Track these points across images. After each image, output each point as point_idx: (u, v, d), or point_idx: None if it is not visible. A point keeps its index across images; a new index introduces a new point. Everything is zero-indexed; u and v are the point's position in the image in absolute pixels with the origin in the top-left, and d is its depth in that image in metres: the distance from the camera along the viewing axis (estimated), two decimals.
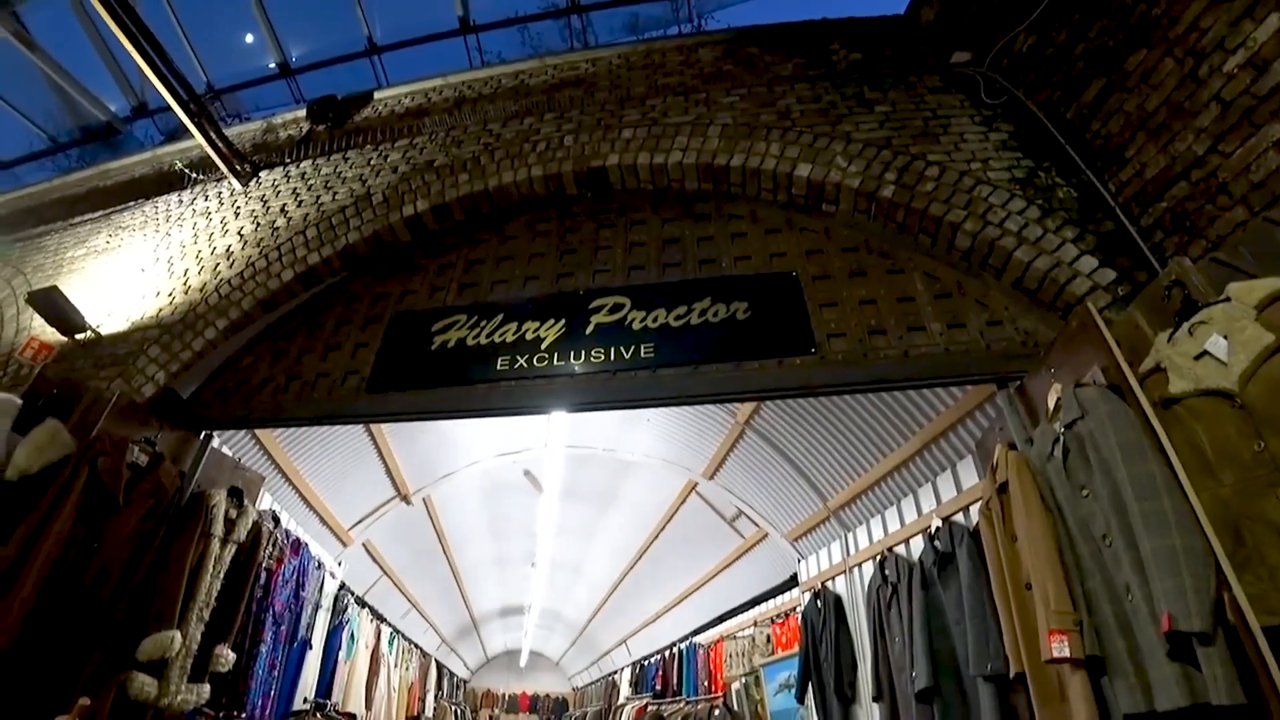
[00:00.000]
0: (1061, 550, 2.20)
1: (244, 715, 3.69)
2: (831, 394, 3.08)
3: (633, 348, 3.02)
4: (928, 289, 3.00)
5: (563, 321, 3.20)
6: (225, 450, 3.72)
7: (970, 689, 2.85)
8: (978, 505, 2.91)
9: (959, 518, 3.30)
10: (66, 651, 2.60)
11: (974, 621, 2.74)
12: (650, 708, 6.40)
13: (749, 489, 5.19)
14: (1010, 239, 2.80)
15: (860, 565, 4.17)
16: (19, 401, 2.91)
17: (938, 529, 3.26)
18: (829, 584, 4.49)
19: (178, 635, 2.79)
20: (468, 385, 3.12)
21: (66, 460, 2.80)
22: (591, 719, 11.82)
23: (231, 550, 3.21)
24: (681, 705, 7.16)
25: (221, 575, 3.13)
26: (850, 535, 4.36)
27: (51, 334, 3.66)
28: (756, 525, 5.59)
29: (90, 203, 5.04)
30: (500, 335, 3.21)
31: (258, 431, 4.16)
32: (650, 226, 3.59)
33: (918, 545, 3.53)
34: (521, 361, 3.10)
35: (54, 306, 3.53)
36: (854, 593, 4.17)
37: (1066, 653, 2.02)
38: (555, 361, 3.08)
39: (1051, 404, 2.37)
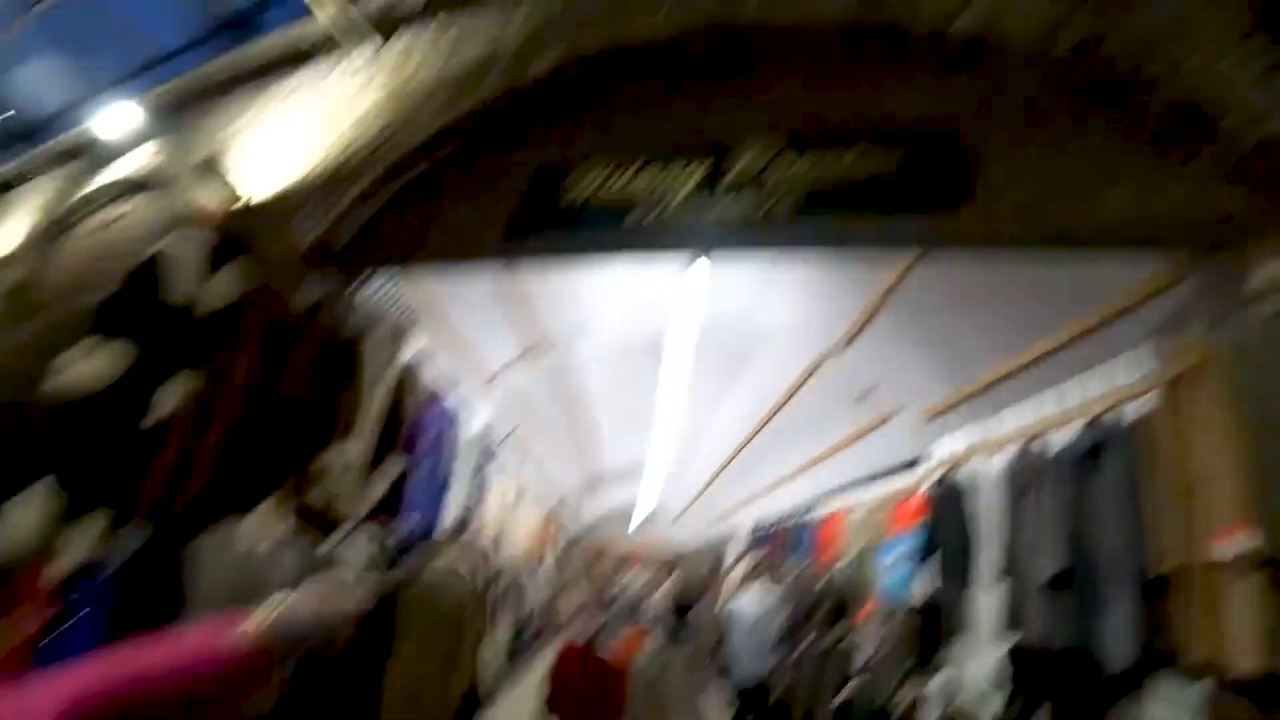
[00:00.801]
0: (1247, 447, 1.97)
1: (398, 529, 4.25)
2: (993, 251, 2.82)
3: (774, 198, 2.88)
4: (1117, 151, 2.57)
5: (700, 172, 3.09)
6: (378, 298, 4.04)
7: (1104, 586, 2.71)
8: (1139, 401, 2.65)
9: (1117, 413, 3.00)
10: (259, 464, 3.03)
11: (1119, 520, 2.57)
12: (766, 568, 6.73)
13: (883, 365, 4.99)
14: (1225, 98, 2.31)
15: (995, 453, 3.98)
16: (206, 242, 3.24)
17: (1091, 421, 3.02)
18: (959, 468, 4.34)
19: (349, 452, 3.20)
20: (602, 232, 3.15)
21: (242, 304, 3.14)
22: (703, 579, 12.64)
23: (384, 389, 3.57)
24: (794, 569, 7.46)
25: (380, 410, 3.52)
26: (989, 421, 4.15)
27: (215, 203, 4.01)
28: (887, 403, 5.44)
29: (239, 83, 5.34)
30: (635, 185, 3.17)
31: (405, 285, 4.44)
32: (795, 76, 3.31)
33: (1061, 439, 3.30)
34: (656, 212, 3.07)
35: (216, 177, 3.85)
36: (985, 480, 4.01)
37: (1239, 551, 1.86)
38: (691, 211, 3.01)
39: (1258, 286, 2.04)
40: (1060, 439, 3.30)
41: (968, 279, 3.84)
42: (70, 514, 2.51)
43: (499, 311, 5.57)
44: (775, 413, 7.52)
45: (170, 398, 2.77)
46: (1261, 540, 1.78)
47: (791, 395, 6.83)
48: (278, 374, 3.14)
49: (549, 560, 12.75)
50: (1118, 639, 2.54)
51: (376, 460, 3.56)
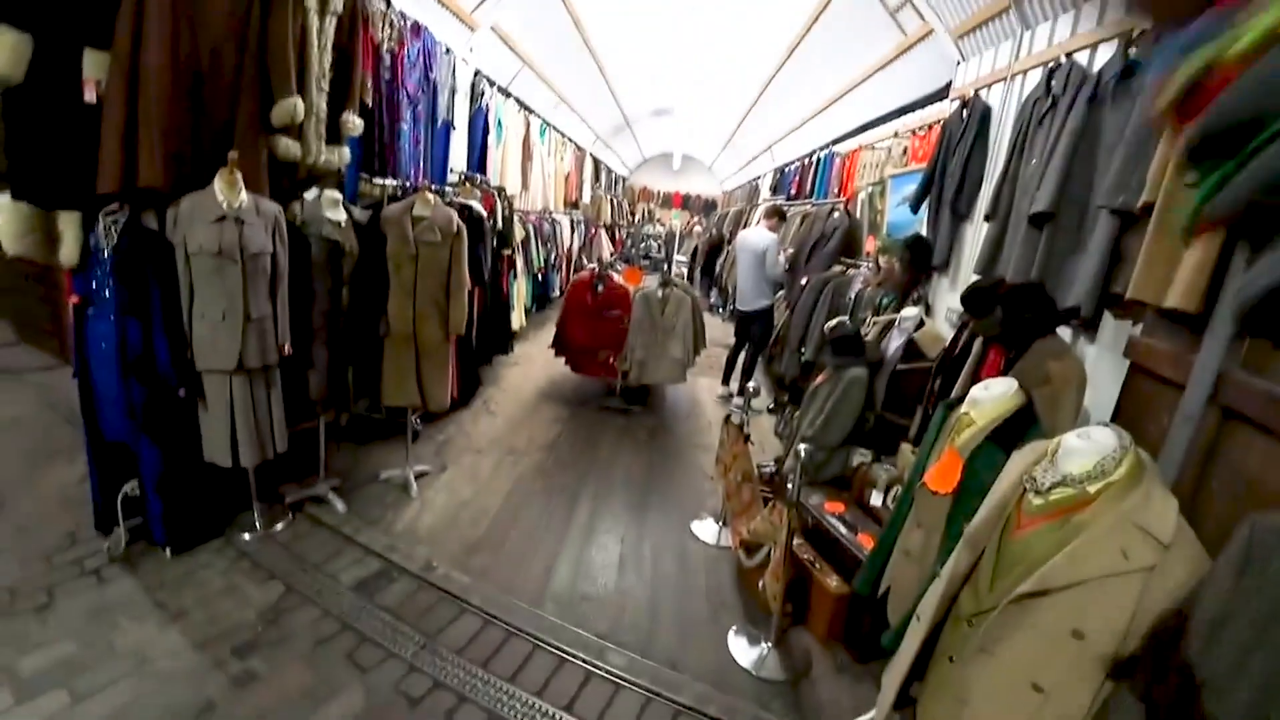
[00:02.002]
0: None
1: (396, 181, 4.23)
2: None
3: None
4: None
5: None
6: None
7: (1089, 221, 2.58)
8: None
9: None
10: (209, 127, 2.86)
11: (1130, 148, 2.29)
12: (775, 204, 6.70)
13: None
14: None
15: (1025, 73, 3.49)
16: None
17: (1141, 33, 2.53)
18: (983, 92, 3.91)
19: (299, 101, 3.00)
20: None
21: None
22: (733, 217, 12.80)
23: (332, 22, 3.17)
24: (806, 206, 7.43)
25: (329, 48, 3.18)
26: (1028, 34, 3.55)
27: None
28: (921, 18, 4.70)
29: None
30: None
31: None
32: None
33: (1104, 55, 2.82)
34: None
35: None
36: (1008, 106, 3.60)
37: None
38: None
39: None
40: (1100, 59, 2.85)
41: None
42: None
43: None
44: (803, 36, 6.64)
45: (95, 70, 2.53)
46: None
47: (820, 12, 5.94)
48: (200, 22, 2.78)
49: (584, 202, 12.91)
50: (1080, 277, 2.52)
51: (342, 104, 3.36)
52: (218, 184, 2.73)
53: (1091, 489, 1.40)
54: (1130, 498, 1.35)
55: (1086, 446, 1.46)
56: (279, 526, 3.29)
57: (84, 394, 2.77)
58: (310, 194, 3.24)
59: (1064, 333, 2.63)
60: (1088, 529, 1.36)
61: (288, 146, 3.09)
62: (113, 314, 2.62)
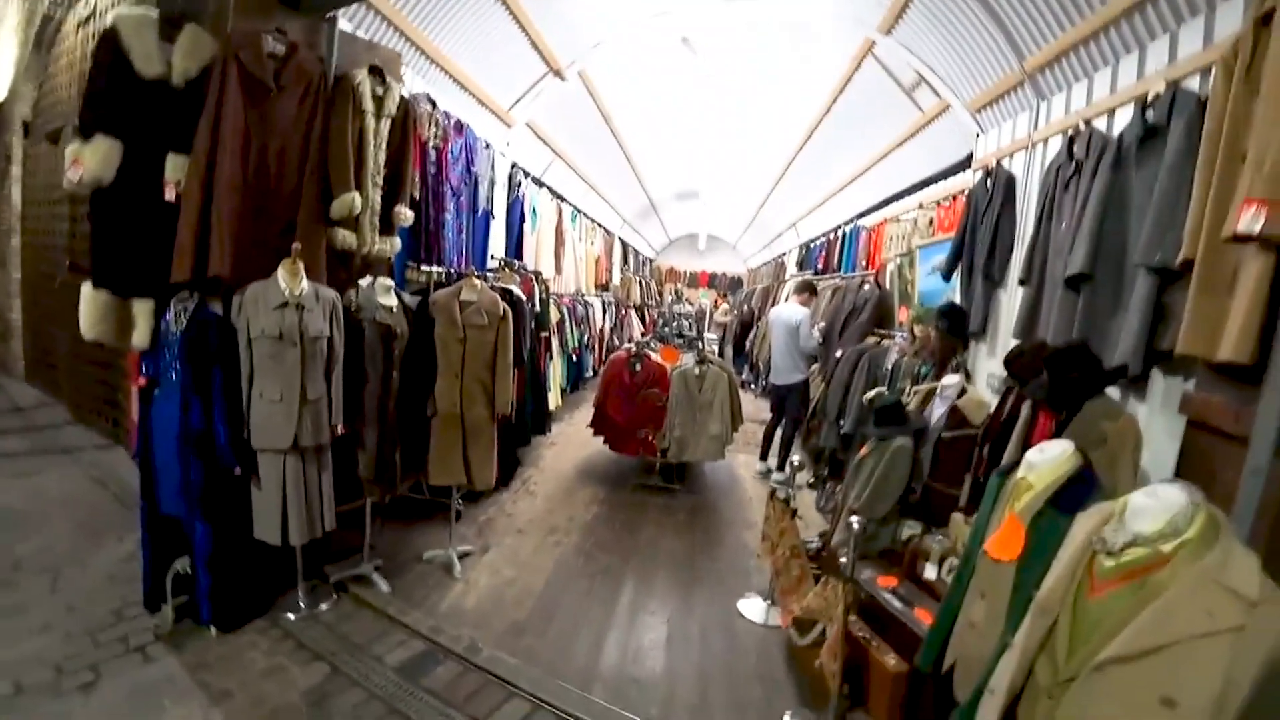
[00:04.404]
0: None
1: (441, 268, 4.43)
2: None
3: None
4: None
5: None
6: (359, 34, 3.74)
7: (1127, 280, 2.59)
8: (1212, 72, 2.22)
9: (1191, 83, 2.56)
10: (273, 221, 3.10)
11: (1161, 205, 2.34)
12: (806, 279, 6.81)
13: (933, 48, 4.33)
14: None
15: (1046, 141, 3.59)
16: (155, 13, 2.83)
17: (1157, 96, 2.61)
18: (1004, 161, 4.01)
19: (357, 195, 3.22)
20: None
21: (211, 62, 2.86)
22: (759, 294, 12.97)
23: (386, 124, 3.44)
24: (836, 280, 7.52)
25: (384, 147, 3.44)
26: (1044, 105, 3.67)
27: None
28: (937, 95, 4.88)
29: None
30: None
31: (385, 13, 4.01)
32: None
33: (1123, 119, 2.91)
34: None
35: None
36: (1030, 172, 3.69)
37: (1257, 228, 1.68)
38: None
39: None
40: (1118, 123, 2.94)
41: None
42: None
43: (503, 30, 5.08)
44: (822, 118, 6.93)
45: (176, 172, 2.78)
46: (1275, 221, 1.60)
47: (837, 95, 6.22)
48: (269, 127, 3.02)
49: (614, 284, 13.21)
50: (1124, 335, 2.51)
51: (394, 197, 3.58)
52: (281, 273, 2.89)
53: (1165, 548, 1.36)
54: (1209, 555, 1.30)
55: (1155, 505, 1.43)
56: (324, 606, 3.28)
57: (144, 472, 2.87)
58: (364, 281, 3.40)
59: (1112, 392, 2.58)
60: (1168, 589, 1.31)
61: (345, 237, 3.29)
62: (177, 394, 2.75)
